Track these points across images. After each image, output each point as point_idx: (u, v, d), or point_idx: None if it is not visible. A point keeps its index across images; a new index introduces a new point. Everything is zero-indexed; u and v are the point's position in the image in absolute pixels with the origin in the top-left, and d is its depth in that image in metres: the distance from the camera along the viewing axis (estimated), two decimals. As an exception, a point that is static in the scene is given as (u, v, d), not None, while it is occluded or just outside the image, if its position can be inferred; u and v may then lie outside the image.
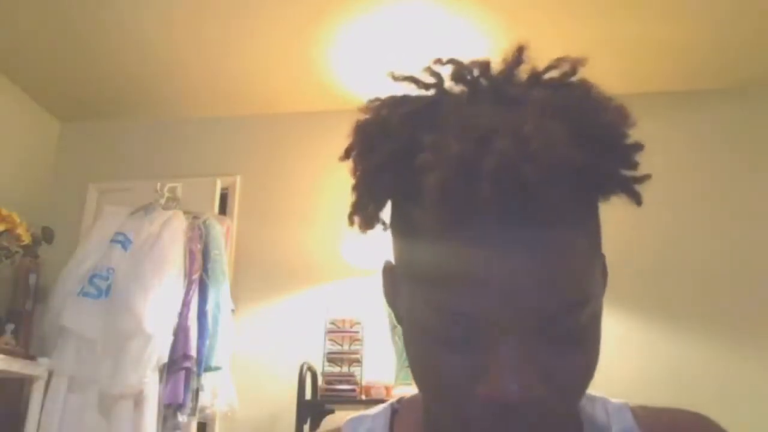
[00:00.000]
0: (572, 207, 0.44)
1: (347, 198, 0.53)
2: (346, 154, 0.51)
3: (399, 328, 2.36)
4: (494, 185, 0.41)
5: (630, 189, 0.47)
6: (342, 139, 0.52)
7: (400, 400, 0.63)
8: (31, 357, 2.22)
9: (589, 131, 0.44)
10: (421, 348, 0.48)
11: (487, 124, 0.43)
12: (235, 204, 2.77)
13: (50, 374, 2.17)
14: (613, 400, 0.59)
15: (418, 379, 0.50)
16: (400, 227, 0.51)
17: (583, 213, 0.47)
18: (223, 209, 2.75)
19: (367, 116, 0.50)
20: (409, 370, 2.06)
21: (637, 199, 0.47)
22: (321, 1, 2.23)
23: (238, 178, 2.81)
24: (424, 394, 0.50)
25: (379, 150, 0.48)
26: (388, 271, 0.56)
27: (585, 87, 0.48)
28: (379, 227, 0.53)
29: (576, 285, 0.45)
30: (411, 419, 0.59)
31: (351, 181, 0.52)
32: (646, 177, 0.47)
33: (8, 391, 2.38)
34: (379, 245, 2.18)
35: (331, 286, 2.53)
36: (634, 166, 0.46)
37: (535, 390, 0.44)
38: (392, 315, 2.36)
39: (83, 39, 2.47)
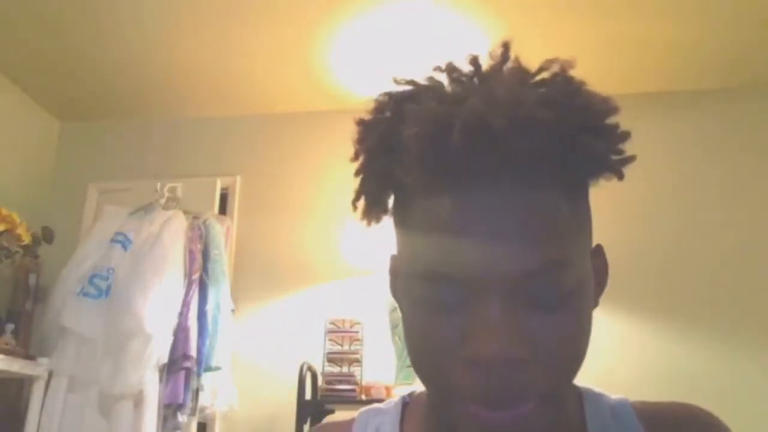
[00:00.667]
0: (549, 169, 0.45)
1: (347, 198, 0.54)
2: (356, 142, 0.53)
3: (399, 328, 2.37)
4: (464, 136, 0.43)
5: (612, 167, 0.48)
6: (342, 139, 0.52)
7: (411, 395, 0.64)
8: (31, 357, 2.22)
9: (570, 113, 0.46)
10: (413, 318, 0.50)
11: (462, 91, 0.47)
12: (235, 204, 2.77)
13: (50, 374, 2.17)
14: (613, 395, 0.60)
15: (412, 352, 0.50)
16: (398, 210, 0.53)
17: (566, 185, 0.47)
18: (223, 209, 2.75)
19: (370, 110, 0.53)
20: (409, 370, 2.05)
21: (618, 176, 0.49)
22: (321, 1, 2.24)
23: (238, 178, 2.81)
24: (416, 368, 0.50)
25: (375, 130, 0.51)
26: (393, 263, 0.58)
27: (570, 80, 0.49)
28: (373, 226, 0.55)
29: (553, 244, 0.46)
30: (419, 412, 0.60)
31: (352, 180, 0.53)
32: (630, 158, 0.49)
33: (8, 391, 2.39)
34: (379, 245, 2.19)
35: (331, 286, 2.53)
36: (615, 144, 0.48)
37: (516, 350, 0.44)
38: (392, 315, 2.35)
39: (83, 39, 2.47)
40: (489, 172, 0.44)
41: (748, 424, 2.13)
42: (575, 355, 0.48)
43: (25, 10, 2.31)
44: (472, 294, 0.45)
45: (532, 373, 0.45)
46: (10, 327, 2.27)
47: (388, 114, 0.51)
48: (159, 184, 2.52)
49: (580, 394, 0.59)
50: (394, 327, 2.25)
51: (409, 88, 0.51)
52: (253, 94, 2.79)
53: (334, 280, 2.53)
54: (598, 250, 0.56)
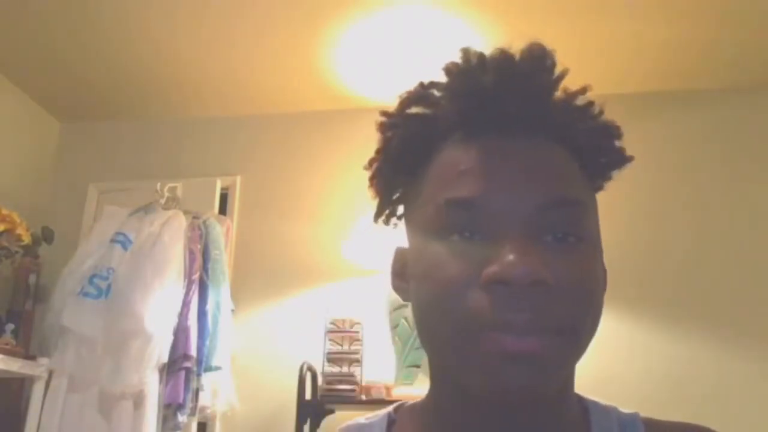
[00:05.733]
0: (563, 134, 0.52)
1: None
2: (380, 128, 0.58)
3: (399, 328, 2.37)
4: (496, 75, 0.50)
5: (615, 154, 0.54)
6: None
7: (397, 409, 0.61)
8: (31, 357, 2.22)
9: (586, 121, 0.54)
10: (430, 252, 0.50)
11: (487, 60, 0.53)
12: (235, 204, 2.77)
13: (50, 374, 2.16)
14: (624, 410, 0.58)
15: (425, 294, 0.50)
16: (421, 168, 0.55)
17: (578, 168, 0.53)
18: (223, 209, 2.75)
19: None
20: (409, 370, 2.05)
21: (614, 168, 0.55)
22: (321, 1, 2.24)
23: (238, 178, 2.81)
24: (429, 311, 0.49)
25: (399, 111, 0.56)
26: (399, 253, 0.58)
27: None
28: (379, 221, 0.60)
29: (572, 185, 0.50)
30: (411, 424, 0.58)
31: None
32: (629, 158, 0.54)
33: (8, 390, 2.38)
34: (380, 246, 2.19)
35: (331, 286, 2.53)
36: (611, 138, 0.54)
37: (540, 273, 0.45)
38: (392, 315, 2.35)
39: (83, 39, 2.47)
40: (516, 111, 0.49)
41: (749, 426, 2.14)
42: (591, 299, 0.48)
43: (25, 10, 2.31)
44: (495, 223, 0.47)
45: (554, 302, 0.45)
46: (10, 327, 2.27)
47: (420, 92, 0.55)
48: (159, 184, 2.52)
49: (586, 408, 0.57)
50: (394, 327, 2.25)
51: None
52: (253, 94, 2.79)
53: (334, 280, 2.53)
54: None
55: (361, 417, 0.62)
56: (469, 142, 0.51)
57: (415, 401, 0.60)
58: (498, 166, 0.49)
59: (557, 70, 0.52)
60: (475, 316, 0.46)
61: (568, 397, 0.54)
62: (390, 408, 0.62)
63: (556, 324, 0.46)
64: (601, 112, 0.54)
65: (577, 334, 0.47)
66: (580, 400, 0.58)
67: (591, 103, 0.53)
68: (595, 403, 0.58)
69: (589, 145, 0.53)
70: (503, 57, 0.50)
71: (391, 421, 0.60)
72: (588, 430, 0.56)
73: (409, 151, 0.55)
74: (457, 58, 0.53)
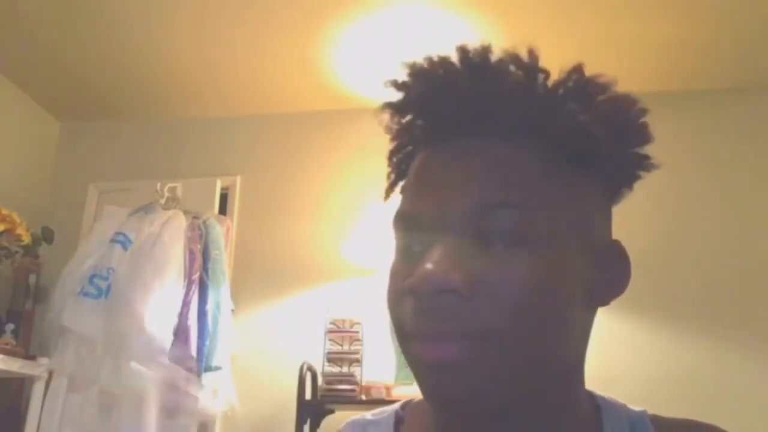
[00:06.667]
0: (525, 127, 0.49)
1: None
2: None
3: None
4: (443, 80, 0.50)
5: (589, 136, 0.49)
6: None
7: (404, 406, 0.61)
8: (31, 357, 2.22)
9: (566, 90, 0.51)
10: (392, 260, 0.52)
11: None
12: (235, 204, 2.77)
13: (50, 374, 2.17)
14: (633, 408, 0.58)
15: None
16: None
17: (546, 151, 0.49)
18: (223, 209, 2.75)
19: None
20: (409, 370, 2.06)
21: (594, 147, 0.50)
22: (321, 1, 2.24)
23: (238, 178, 2.81)
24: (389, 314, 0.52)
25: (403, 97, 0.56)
26: None
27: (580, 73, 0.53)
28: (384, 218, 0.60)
29: (499, 188, 0.47)
30: (417, 430, 0.57)
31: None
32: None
33: (8, 390, 2.38)
34: (379, 246, 2.19)
35: (331, 286, 2.53)
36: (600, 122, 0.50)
37: (447, 279, 0.44)
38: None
39: (83, 39, 2.47)
40: (465, 123, 0.49)
41: (750, 426, 2.14)
42: (519, 302, 0.45)
43: (25, 10, 2.31)
44: (428, 233, 0.48)
45: (469, 308, 0.45)
46: (10, 327, 2.27)
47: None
48: (159, 184, 2.52)
49: (599, 407, 0.57)
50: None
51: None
52: (253, 94, 2.79)
53: (334, 280, 2.53)
54: (613, 246, 0.55)
55: (366, 413, 0.61)
56: (430, 149, 0.52)
57: (422, 399, 0.59)
58: (433, 176, 0.50)
59: (534, 68, 0.50)
60: (402, 326, 0.48)
61: (572, 398, 0.54)
62: (397, 405, 0.61)
63: (471, 329, 0.45)
64: (601, 103, 0.51)
65: (502, 338, 0.45)
66: (592, 397, 0.57)
67: (588, 97, 0.50)
68: (607, 401, 0.58)
69: (574, 141, 0.49)
70: (447, 63, 0.51)
71: (398, 419, 0.60)
72: (600, 429, 0.55)
73: (398, 158, 0.58)
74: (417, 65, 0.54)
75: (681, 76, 2.57)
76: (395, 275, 0.50)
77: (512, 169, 0.48)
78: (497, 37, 0.54)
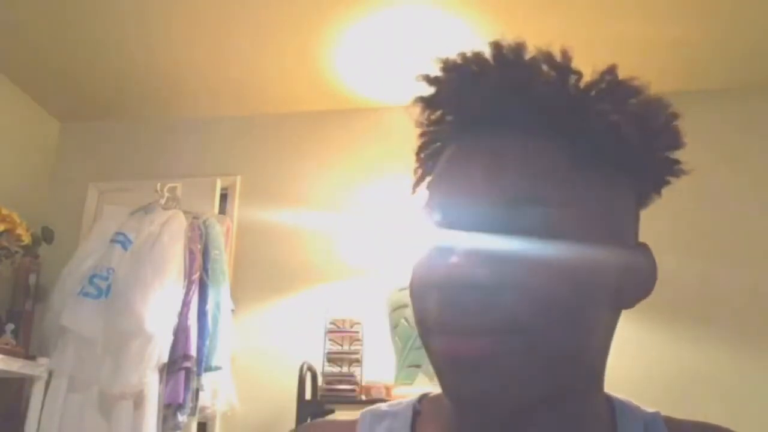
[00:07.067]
0: (553, 124, 0.48)
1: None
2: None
3: (399, 328, 2.36)
4: (473, 76, 0.50)
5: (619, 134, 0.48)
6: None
7: (421, 400, 0.60)
8: (31, 357, 2.22)
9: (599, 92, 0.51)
10: (415, 263, 0.51)
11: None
12: (235, 204, 2.77)
13: (50, 374, 2.16)
14: (647, 409, 0.58)
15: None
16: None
17: (575, 148, 0.49)
18: (223, 209, 2.75)
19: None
20: (409, 370, 2.04)
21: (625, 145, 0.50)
22: (321, 1, 2.23)
23: (238, 178, 2.81)
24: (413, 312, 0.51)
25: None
26: None
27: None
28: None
29: (530, 183, 0.47)
30: (435, 425, 0.57)
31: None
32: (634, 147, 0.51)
33: (8, 391, 2.38)
34: (379, 246, 2.19)
35: (331, 286, 2.53)
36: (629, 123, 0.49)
37: (471, 273, 0.44)
38: (392, 315, 2.35)
39: (83, 39, 2.47)
40: (496, 118, 0.49)
41: (752, 427, 2.13)
42: (550, 297, 0.45)
43: (25, 10, 2.31)
44: (456, 226, 0.47)
45: (495, 303, 0.44)
46: (10, 327, 2.27)
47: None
48: (159, 184, 2.51)
49: (614, 408, 0.56)
50: (394, 327, 2.25)
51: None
52: (253, 94, 2.79)
53: (334, 280, 2.53)
54: (641, 248, 0.55)
55: (382, 404, 0.61)
56: (460, 143, 0.52)
57: (439, 393, 0.57)
58: (462, 170, 0.49)
59: (565, 66, 0.50)
60: (425, 319, 0.48)
61: (591, 398, 0.53)
62: (414, 398, 0.61)
63: (496, 325, 0.44)
64: (631, 104, 0.50)
65: (528, 335, 0.45)
66: (608, 399, 0.57)
67: (615, 95, 0.50)
68: (622, 402, 0.57)
69: (605, 141, 0.49)
70: (479, 58, 0.50)
71: (415, 412, 0.59)
72: (614, 430, 0.55)
73: (426, 154, 0.58)
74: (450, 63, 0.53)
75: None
76: (421, 268, 0.49)
77: (542, 165, 0.48)
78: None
